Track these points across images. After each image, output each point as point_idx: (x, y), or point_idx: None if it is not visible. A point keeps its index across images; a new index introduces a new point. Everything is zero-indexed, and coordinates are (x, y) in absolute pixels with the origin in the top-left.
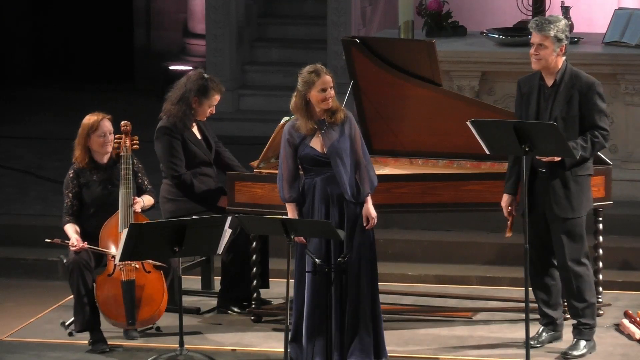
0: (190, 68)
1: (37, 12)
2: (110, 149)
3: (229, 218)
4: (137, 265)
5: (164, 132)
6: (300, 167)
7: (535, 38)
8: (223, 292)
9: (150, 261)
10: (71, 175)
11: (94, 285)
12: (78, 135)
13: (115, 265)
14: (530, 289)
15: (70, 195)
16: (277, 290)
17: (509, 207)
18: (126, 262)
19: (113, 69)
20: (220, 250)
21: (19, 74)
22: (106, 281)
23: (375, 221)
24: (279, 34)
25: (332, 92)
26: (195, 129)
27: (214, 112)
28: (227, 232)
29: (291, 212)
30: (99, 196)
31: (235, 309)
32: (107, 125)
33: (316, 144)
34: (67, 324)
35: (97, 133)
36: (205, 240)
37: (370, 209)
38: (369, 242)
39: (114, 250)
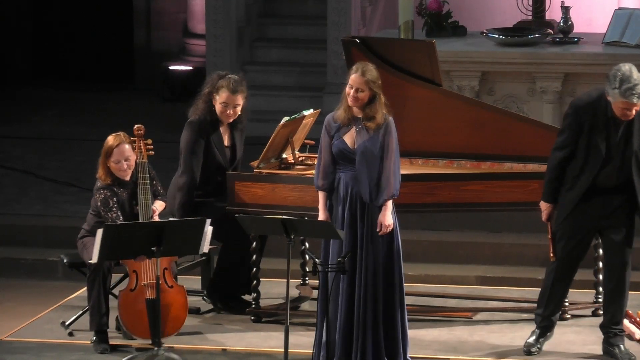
0: (190, 68)
1: (37, 12)
2: (128, 173)
3: (208, 221)
4: (160, 282)
5: (192, 127)
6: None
7: (634, 105)
8: (212, 286)
9: (171, 272)
10: (108, 193)
11: (116, 299)
12: (101, 154)
13: (137, 280)
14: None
15: (114, 209)
16: (277, 290)
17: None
18: (150, 279)
19: (113, 69)
20: (202, 250)
21: (19, 74)
22: (129, 297)
23: (388, 229)
24: (279, 34)
25: (361, 94)
26: (226, 136)
27: (231, 113)
28: (209, 233)
29: (320, 201)
30: (129, 213)
31: (219, 305)
32: (124, 150)
33: (348, 138)
34: (67, 324)
35: (112, 159)
36: (184, 241)
37: (385, 216)
38: (387, 246)
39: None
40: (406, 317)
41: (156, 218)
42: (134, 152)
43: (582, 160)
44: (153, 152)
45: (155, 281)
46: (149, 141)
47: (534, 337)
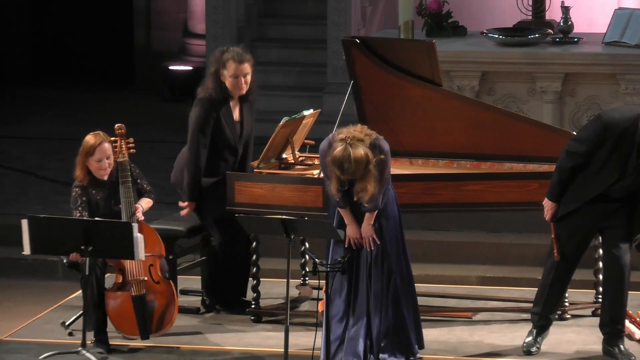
0: (190, 68)
1: (37, 12)
2: (108, 171)
3: (135, 226)
4: (145, 277)
5: (202, 104)
6: None
7: None
8: (210, 287)
9: (158, 271)
10: (79, 192)
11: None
12: (78, 154)
13: (123, 278)
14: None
15: (79, 208)
16: (277, 290)
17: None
18: (135, 276)
19: (113, 69)
20: (138, 257)
21: (19, 74)
22: (116, 296)
23: (369, 241)
24: (279, 34)
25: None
26: (236, 111)
27: (243, 83)
28: (140, 239)
29: (348, 216)
30: (105, 214)
31: (218, 307)
32: (105, 149)
33: None
34: (67, 324)
35: (94, 158)
36: (113, 243)
37: (364, 227)
38: (393, 240)
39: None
40: (419, 312)
41: (139, 215)
42: (116, 152)
43: (596, 171)
44: (134, 151)
45: (140, 278)
46: (130, 140)
47: (531, 337)
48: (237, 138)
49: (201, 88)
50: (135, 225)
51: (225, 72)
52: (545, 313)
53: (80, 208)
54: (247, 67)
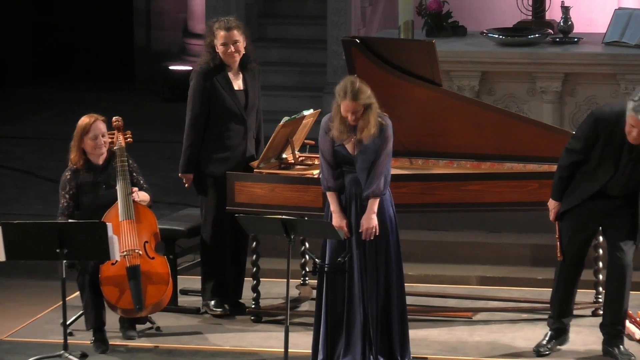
0: (190, 68)
1: (37, 12)
2: (104, 150)
3: (110, 225)
4: (140, 252)
5: (196, 75)
6: None
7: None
8: (205, 293)
9: (153, 246)
10: (68, 176)
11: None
12: (73, 137)
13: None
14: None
15: (67, 196)
16: (277, 290)
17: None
18: (130, 247)
19: (113, 69)
20: (113, 257)
21: (19, 74)
22: (110, 270)
23: (370, 232)
24: (279, 34)
25: (358, 114)
26: (238, 80)
27: (233, 50)
28: (114, 239)
29: (333, 203)
30: (96, 198)
31: (212, 305)
32: (100, 127)
33: (348, 145)
34: (67, 323)
35: (89, 135)
36: (88, 244)
37: (367, 218)
38: (387, 245)
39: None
40: (407, 316)
41: (135, 197)
42: (113, 141)
43: (594, 168)
44: (131, 140)
45: (135, 250)
46: (128, 132)
47: (546, 339)
48: (241, 107)
49: (198, 60)
50: (109, 225)
51: (216, 41)
52: (555, 315)
53: (67, 196)
54: (235, 34)
